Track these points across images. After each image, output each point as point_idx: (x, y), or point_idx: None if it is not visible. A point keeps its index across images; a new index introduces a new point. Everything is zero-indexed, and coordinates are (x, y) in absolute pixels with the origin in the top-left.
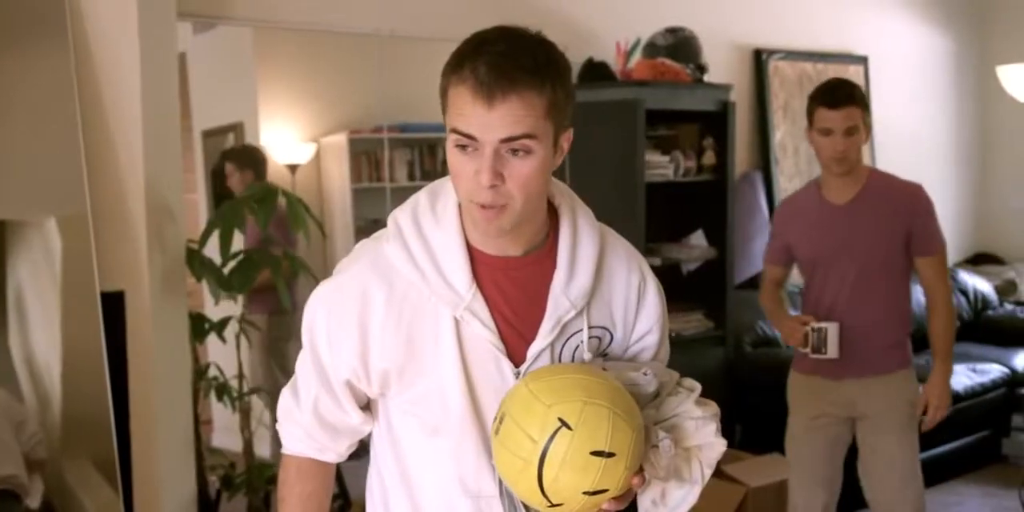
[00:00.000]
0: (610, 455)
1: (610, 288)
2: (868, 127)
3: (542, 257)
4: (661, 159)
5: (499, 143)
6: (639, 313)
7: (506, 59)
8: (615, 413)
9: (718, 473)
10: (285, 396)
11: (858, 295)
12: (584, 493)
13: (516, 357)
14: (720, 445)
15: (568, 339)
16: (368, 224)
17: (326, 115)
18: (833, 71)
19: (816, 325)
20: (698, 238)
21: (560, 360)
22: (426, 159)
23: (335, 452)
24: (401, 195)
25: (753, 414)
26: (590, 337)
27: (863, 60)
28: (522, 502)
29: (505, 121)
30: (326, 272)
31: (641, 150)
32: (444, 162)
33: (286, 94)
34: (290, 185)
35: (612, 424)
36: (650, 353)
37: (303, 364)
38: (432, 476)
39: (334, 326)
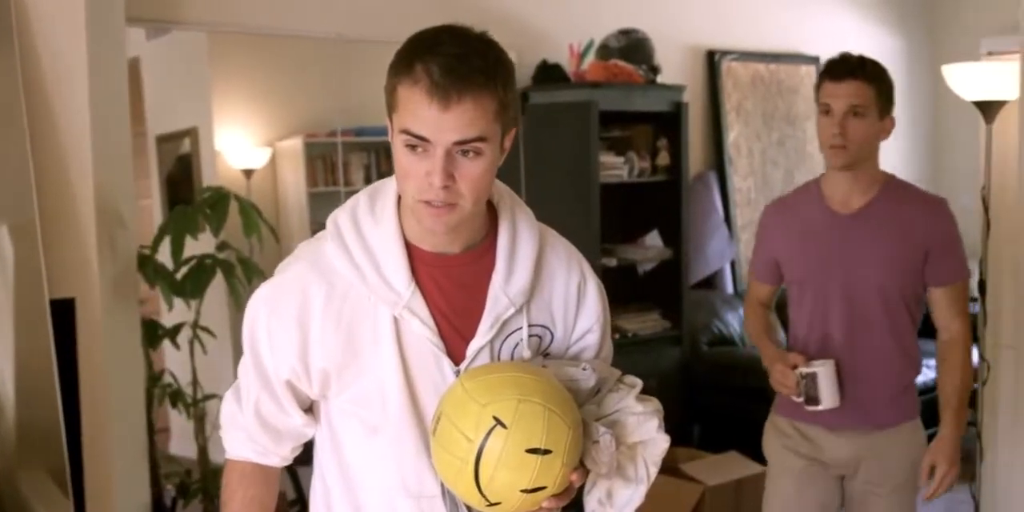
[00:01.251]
0: (546, 452)
1: (550, 287)
2: (888, 116)
3: (481, 255)
4: (615, 160)
5: (452, 145)
6: (579, 312)
7: (460, 61)
8: (550, 410)
9: (675, 472)
10: (228, 400)
11: (861, 329)
12: (522, 491)
13: (456, 355)
14: (663, 441)
15: (508, 337)
16: (323, 228)
17: (281, 119)
18: (785, 72)
19: (805, 370)
20: (653, 238)
21: (500, 358)
22: (383, 162)
23: (278, 456)
24: None
25: (710, 413)
26: (530, 335)
27: (815, 60)
28: (463, 502)
29: (459, 123)
30: None
31: (595, 151)
32: None
33: (241, 99)
34: (245, 190)
35: (547, 421)
36: (591, 352)
37: (244, 367)
38: (374, 477)
39: (274, 326)
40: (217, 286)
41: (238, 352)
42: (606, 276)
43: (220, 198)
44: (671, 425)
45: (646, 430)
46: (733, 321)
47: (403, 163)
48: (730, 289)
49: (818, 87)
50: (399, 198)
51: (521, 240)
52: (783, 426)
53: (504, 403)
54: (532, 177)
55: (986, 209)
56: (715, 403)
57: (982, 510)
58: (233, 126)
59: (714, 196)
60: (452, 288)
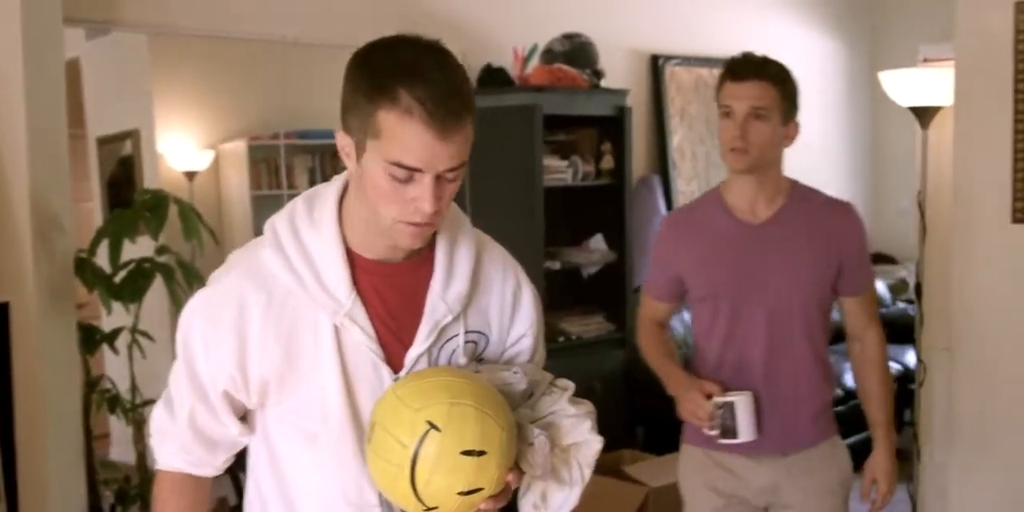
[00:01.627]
0: (481, 454)
1: (487, 294)
2: (792, 121)
3: (421, 263)
4: (560, 164)
5: (442, 172)
6: (514, 318)
7: (452, 92)
8: (482, 412)
9: (619, 474)
10: (159, 411)
11: (781, 346)
12: (459, 493)
13: (395, 363)
14: (596, 443)
15: (445, 344)
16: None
17: (225, 122)
18: None
19: (721, 399)
20: (597, 242)
21: (437, 365)
22: (327, 165)
23: (212, 466)
24: None
25: (654, 415)
26: (466, 341)
27: None
28: (401, 510)
29: (453, 152)
30: None
31: (539, 155)
32: (346, 168)
33: (183, 101)
34: (188, 192)
35: (480, 423)
36: (526, 356)
37: (177, 377)
38: (312, 487)
39: (211, 336)
40: (157, 290)
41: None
42: (550, 279)
43: (159, 201)
44: (616, 428)
45: (580, 432)
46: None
47: (385, 188)
48: None
49: (719, 88)
50: (339, 204)
51: (459, 248)
52: (698, 457)
53: (437, 407)
54: (476, 181)
55: (922, 213)
56: (659, 405)
57: (919, 509)
58: (175, 128)
59: (658, 200)
60: (392, 296)
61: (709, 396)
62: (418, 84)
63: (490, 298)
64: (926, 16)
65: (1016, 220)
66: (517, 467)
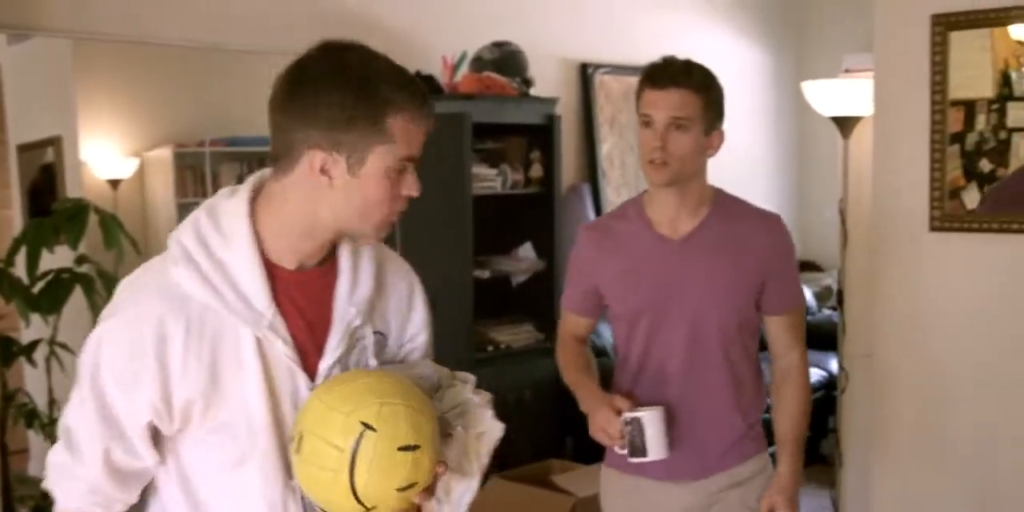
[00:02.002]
0: (415, 448)
1: (387, 295)
2: (716, 130)
3: (327, 271)
4: (489, 172)
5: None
6: (410, 318)
7: (415, 82)
8: (411, 407)
9: (547, 484)
10: (59, 455)
11: (700, 365)
12: (397, 490)
13: (310, 372)
14: (498, 430)
15: (355, 346)
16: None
17: (150, 129)
18: None
19: (629, 415)
20: (526, 250)
21: (348, 367)
22: (255, 172)
23: (122, 502)
24: None
25: (583, 425)
26: (361, 346)
27: None
28: None
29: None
30: None
31: (468, 163)
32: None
33: (107, 107)
34: (112, 201)
35: (410, 418)
36: (419, 353)
37: (83, 417)
38: (234, 509)
39: (128, 370)
40: (76, 301)
41: None
42: (479, 288)
43: (79, 210)
44: (545, 437)
45: (485, 420)
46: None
47: (384, 191)
48: None
49: (638, 94)
50: (251, 215)
51: (361, 253)
52: (615, 480)
53: (367, 408)
54: None
55: (843, 221)
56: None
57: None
58: (99, 135)
59: (587, 208)
60: (305, 304)
61: (620, 412)
62: (401, 84)
63: (389, 299)
64: (850, 27)
65: (933, 228)
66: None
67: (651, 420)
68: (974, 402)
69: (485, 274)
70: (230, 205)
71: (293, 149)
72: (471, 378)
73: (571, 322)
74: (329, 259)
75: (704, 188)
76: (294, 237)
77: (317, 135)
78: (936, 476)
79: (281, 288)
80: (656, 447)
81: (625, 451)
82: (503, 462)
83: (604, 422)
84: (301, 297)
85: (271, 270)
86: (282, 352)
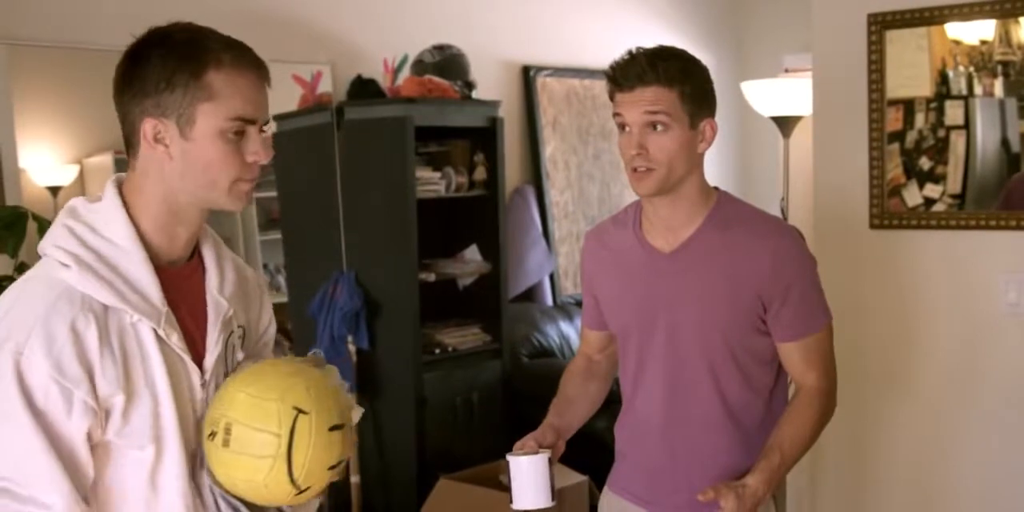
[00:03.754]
0: (342, 426)
1: (244, 289)
2: (704, 120)
3: (196, 265)
4: (432, 175)
5: (262, 124)
6: (262, 310)
7: (243, 44)
8: (333, 388)
9: (497, 485)
10: None
11: (681, 397)
12: (329, 468)
13: (198, 366)
14: (359, 409)
15: (228, 338)
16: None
17: (89, 135)
18: (599, 87)
19: (509, 456)
20: (472, 253)
21: (226, 360)
22: None
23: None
24: None
25: (532, 425)
26: (235, 337)
27: None
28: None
29: (267, 102)
30: None
31: (411, 166)
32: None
33: (46, 114)
34: (51, 208)
35: (335, 398)
36: (271, 346)
37: (25, 455)
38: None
39: (63, 374)
40: None
41: None
42: (425, 291)
43: (16, 218)
44: (495, 438)
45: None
46: (552, 333)
47: (220, 153)
48: (549, 301)
49: (610, 96)
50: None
51: (220, 248)
52: (612, 504)
53: (296, 393)
54: (348, 193)
55: (785, 220)
56: (537, 415)
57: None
58: (38, 142)
59: (532, 210)
60: (183, 299)
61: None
62: (227, 44)
63: (247, 293)
64: (790, 26)
65: (873, 226)
66: None
67: (520, 466)
68: (912, 399)
69: (431, 277)
70: (102, 208)
71: (133, 127)
72: (334, 370)
73: (584, 338)
74: (194, 255)
75: (701, 190)
76: (168, 227)
77: (146, 103)
78: (866, 473)
79: (165, 284)
80: (522, 496)
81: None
82: (453, 463)
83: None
84: (179, 291)
85: (155, 267)
86: (176, 346)
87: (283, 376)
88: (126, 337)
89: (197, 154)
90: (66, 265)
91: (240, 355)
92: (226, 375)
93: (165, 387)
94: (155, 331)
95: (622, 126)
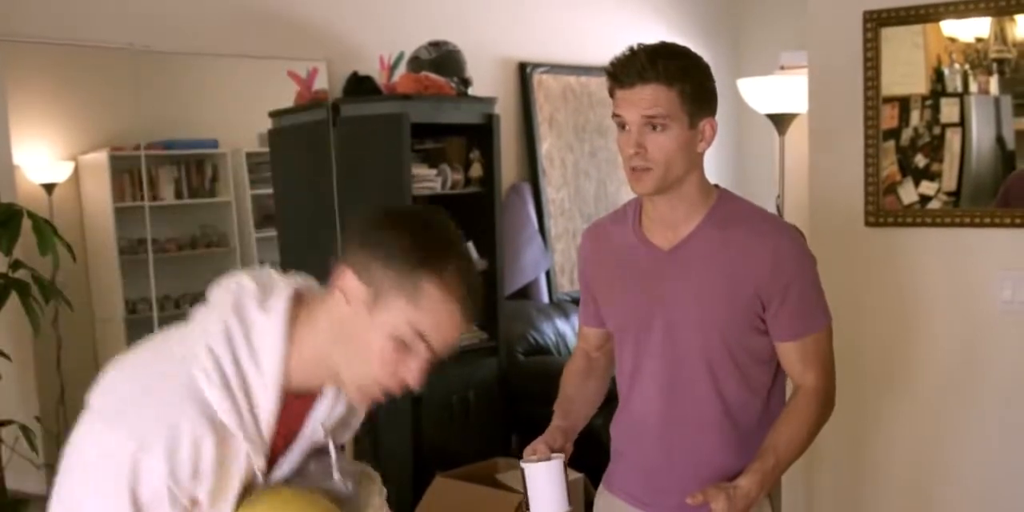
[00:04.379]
0: None
1: (345, 419)
2: (705, 119)
3: (316, 393)
4: (428, 172)
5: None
6: (351, 417)
7: (480, 287)
8: None
9: (493, 482)
10: None
11: (679, 396)
12: None
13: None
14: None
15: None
16: (132, 244)
17: (84, 132)
18: (596, 84)
19: (522, 463)
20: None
21: (307, 475)
22: (193, 176)
23: None
24: (166, 213)
25: (528, 422)
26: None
27: None
28: None
29: (457, 340)
30: (85, 295)
31: (407, 163)
32: (212, 179)
33: (40, 111)
34: (47, 205)
35: None
36: (351, 433)
37: None
38: None
39: (176, 482)
40: (12, 307)
41: (37, 376)
42: None
43: (11, 215)
44: (490, 436)
45: None
46: (548, 330)
47: (379, 348)
48: (545, 299)
49: (609, 93)
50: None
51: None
52: (607, 504)
53: None
54: (344, 190)
55: (781, 217)
56: (533, 412)
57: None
58: (32, 139)
59: (528, 207)
60: (283, 420)
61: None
62: (465, 267)
63: (345, 421)
64: (787, 23)
65: (868, 224)
66: None
67: (536, 473)
68: (909, 397)
69: None
70: (268, 327)
71: (340, 265)
72: (377, 477)
73: (582, 334)
74: None
75: (701, 188)
76: (314, 365)
77: (360, 255)
78: (864, 474)
79: (282, 413)
80: (538, 501)
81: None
82: (449, 462)
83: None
84: (286, 416)
85: (286, 397)
86: (259, 468)
87: None
88: (227, 449)
89: (363, 334)
90: (209, 376)
91: (336, 476)
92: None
93: (231, 501)
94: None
95: (621, 124)
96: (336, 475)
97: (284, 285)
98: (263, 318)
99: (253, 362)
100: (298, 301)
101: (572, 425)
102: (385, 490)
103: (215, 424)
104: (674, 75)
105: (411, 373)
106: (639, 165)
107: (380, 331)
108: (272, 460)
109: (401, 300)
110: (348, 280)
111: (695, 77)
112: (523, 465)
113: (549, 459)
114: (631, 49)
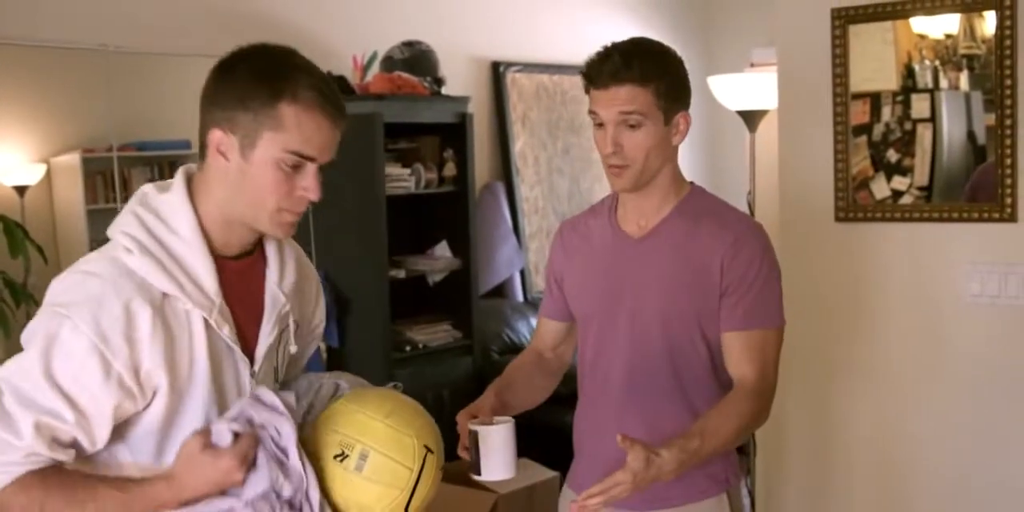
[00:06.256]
0: (440, 467)
1: (302, 284)
2: (679, 114)
3: (256, 260)
4: (402, 172)
5: (324, 164)
6: (316, 307)
7: (335, 92)
8: (436, 428)
9: (468, 481)
10: None
11: (640, 384)
12: (429, 503)
13: (248, 357)
14: None
15: (282, 332)
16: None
17: (56, 134)
18: (568, 82)
19: (472, 425)
20: (442, 249)
21: (277, 353)
22: (166, 177)
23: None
24: None
25: None
26: (287, 334)
27: None
28: None
29: (336, 146)
30: None
31: (381, 163)
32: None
33: (11, 112)
34: (19, 208)
35: (439, 439)
36: (317, 341)
37: (35, 390)
38: None
39: (106, 344)
40: None
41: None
42: (395, 288)
43: None
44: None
45: None
46: (523, 329)
47: (272, 179)
48: (520, 297)
49: (586, 91)
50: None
51: (283, 243)
52: (565, 500)
53: (427, 432)
54: None
55: (752, 214)
56: None
57: (757, 503)
58: (4, 141)
59: (502, 206)
60: (243, 291)
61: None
62: (314, 82)
63: (304, 290)
64: (757, 20)
65: (839, 219)
66: None
67: (488, 434)
68: (876, 391)
69: (401, 274)
70: (170, 199)
71: (204, 131)
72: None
73: (538, 328)
74: (257, 248)
75: (674, 180)
76: (226, 225)
77: (219, 114)
78: (832, 466)
79: (223, 277)
80: (492, 465)
81: (468, 468)
82: None
83: (460, 430)
84: (239, 285)
85: (215, 260)
86: (227, 337)
87: (415, 413)
88: (177, 324)
89: (251, 176)
90: (129, 250)
91: (293, 348)
92: (276, 368)
93: (206, 375)
94: (206, 320)
95: (598, 123)
96: (292, 347)
97: (177, 173)
98: (165, 196)
99: (169, 230)
100: (191, 179)
101: (503, 405)
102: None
103: (151, 295)
104: (649, 74)
105: (308, 189)
106: (616, 163)
107: (263, 167)
108: (251, 341)
109: (268, 132)
110: (218, 138)
111: (669, 74)
112: (475, 428)
113: (498, 423)
114: (605, 49)
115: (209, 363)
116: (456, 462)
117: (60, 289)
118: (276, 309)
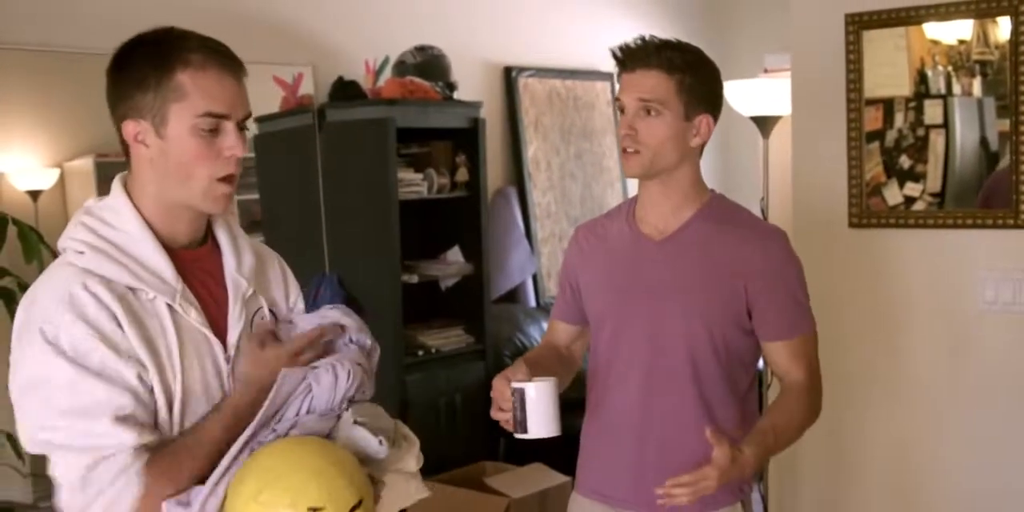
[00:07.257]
0: (360, 503)
1: (263, 268)
2: (702, 115)
3: (211, 249)
4: (414, 177)
5: (240, 120)
6: (288, 287)
7: (224, 46)
8: (344, 467)
9: (481, 486)
10: (72, 488)
11: (658, 388)
12: None
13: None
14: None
15: (253, 317)
16: None
17: (70, 139)
18: (582, 88)
19: (515, 384)
20: (455, 254)
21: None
22: None
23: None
24: None
25: None
26: (260, 315)
27: (609, 76)
28: None
29: (245, 98)
30: None
31: (393, 168)
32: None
33: (25, 117)
34: (32, 212)
35: (347, 478)
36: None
37: (81, 425)
38: None
39: (101, 333)
40: None
41: None
42: (408, 293)
43: None
44: (477, 440)
45: (418, 489)
46: (535, 334)
47: (195, 149)
48: (532, 302)
49: (618, 79)
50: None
51: (234, 228)
52: (583, 506)
53: (307, 493)
54: (330, 195)
55: (765, 219)
56: None
57: (771, 507)
58: (17, 146)
59: (514, 211)
60: (204, 280)
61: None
62: (198, 44)
63: (267, 272)
64: (771, 26)
65: (852, 225)
66: None
67: (535, 391)
68: (891, 398)
69: (413, 279)
70: (110, 203)
71: (119, 128)
72: (415, 442)
73: (549, 328)
74: (208, 239)
75: (694, 183)
76: (167, 214)
77: (124, 106)
78: (847, 474)
79: (181, 266)
80: (537, 423)
81: (512, 428)
82: (436, 465)
83: (496, 394)
84: (200, 273)
85: (168, 251)
86: (195, 320)
87: (293, 472)
88: (145, 313)
89: (173, 152)
90: (80, 252)
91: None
92: None
93: (177, 362)
94: (170, 307)
95: (621, 108)
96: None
97: (115, 180)
98: (106, 201)
99: (115, 230)
100: (127, 183)
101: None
102: (422, 458)
103: (112, 287)
104: (676, 65)
105: (232, 147)
106: (629, 146)
107: (181, 139)
108: (224, 328)
109: (174, 105)
110: (132, 128)
111: (698, 72)
112: (517, 385)
113: (538, 380)
114: (642, 37)
115: (180, 351)
116: (468, 467)
117: (27, 312)
118: (239, 292)
